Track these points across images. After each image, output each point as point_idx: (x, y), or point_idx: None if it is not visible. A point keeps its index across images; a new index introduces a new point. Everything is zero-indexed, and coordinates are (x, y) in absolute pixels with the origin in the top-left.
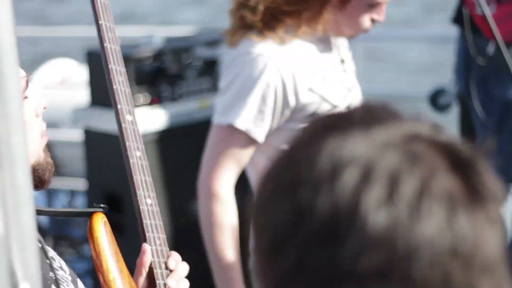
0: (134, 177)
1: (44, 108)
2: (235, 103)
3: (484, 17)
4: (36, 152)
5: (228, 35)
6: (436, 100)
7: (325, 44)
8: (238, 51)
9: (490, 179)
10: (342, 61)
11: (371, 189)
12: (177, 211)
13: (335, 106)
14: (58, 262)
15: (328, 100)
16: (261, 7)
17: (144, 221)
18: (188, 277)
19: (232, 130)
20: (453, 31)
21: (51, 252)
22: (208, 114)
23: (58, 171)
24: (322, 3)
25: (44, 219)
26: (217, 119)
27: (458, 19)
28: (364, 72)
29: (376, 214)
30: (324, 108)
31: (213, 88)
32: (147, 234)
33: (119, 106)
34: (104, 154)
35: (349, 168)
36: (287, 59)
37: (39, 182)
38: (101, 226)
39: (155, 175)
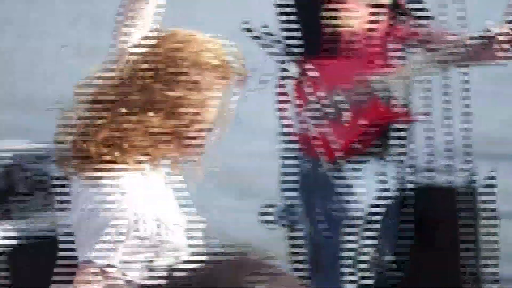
0: None
1: None
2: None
3: (305, 135)
4: None
5: (76, 167)
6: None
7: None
8: (100, 186)
9: None
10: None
11: None
12: None
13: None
14: None
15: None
16: (110, 138)
17: None
18: None
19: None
20: None
21: None
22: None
23: None
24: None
25: None
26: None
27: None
28: None
29: None
30: (169, 239)
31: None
32: None
33: None
34: None
35: None
36: (143, 190)
37: None
38: None
39: None
